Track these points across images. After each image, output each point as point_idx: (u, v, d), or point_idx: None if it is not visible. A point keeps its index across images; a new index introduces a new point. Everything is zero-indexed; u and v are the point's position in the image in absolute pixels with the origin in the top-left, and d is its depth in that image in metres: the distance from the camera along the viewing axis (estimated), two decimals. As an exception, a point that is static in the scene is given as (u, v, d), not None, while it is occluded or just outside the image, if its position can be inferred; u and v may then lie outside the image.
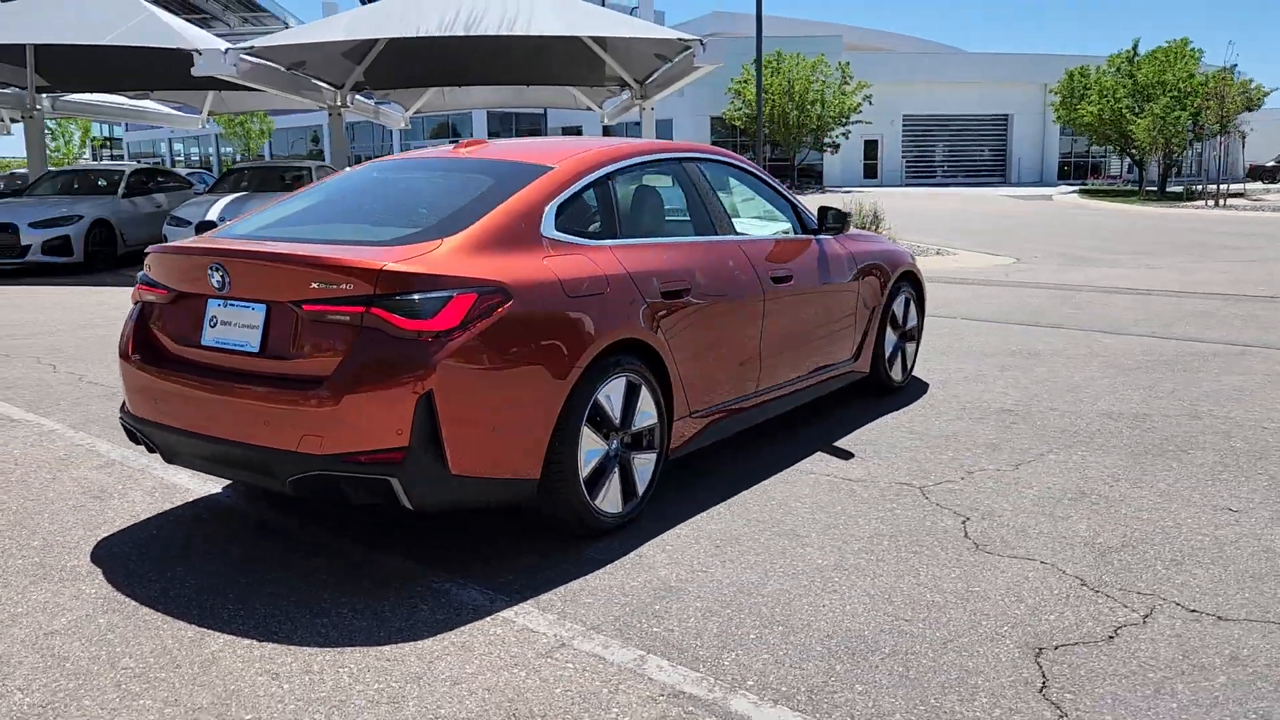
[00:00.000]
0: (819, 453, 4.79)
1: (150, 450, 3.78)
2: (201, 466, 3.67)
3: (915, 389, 6.11)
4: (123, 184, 15.69)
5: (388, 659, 2.84)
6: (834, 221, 5.24)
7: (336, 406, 3.14)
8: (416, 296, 3.18)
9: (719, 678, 2.71)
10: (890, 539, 3.71)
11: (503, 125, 52.26)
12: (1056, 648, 2.85)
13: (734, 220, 4.94)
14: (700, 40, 14.35)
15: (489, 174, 3.98)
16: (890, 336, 5.91)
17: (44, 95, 20.47)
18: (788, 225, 5.23)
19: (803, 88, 41.56)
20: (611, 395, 3.72)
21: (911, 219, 22.03)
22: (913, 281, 6.16)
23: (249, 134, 47.99)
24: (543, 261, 3.56)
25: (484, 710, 2.56)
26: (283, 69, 15.82)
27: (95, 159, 58.62)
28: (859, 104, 42.74)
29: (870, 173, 51.14)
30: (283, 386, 3.25)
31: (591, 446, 3.65)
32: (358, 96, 21.88)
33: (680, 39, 14.72)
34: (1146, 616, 3.04)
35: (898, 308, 5.96)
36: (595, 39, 16.08)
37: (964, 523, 3.86)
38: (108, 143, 69.08)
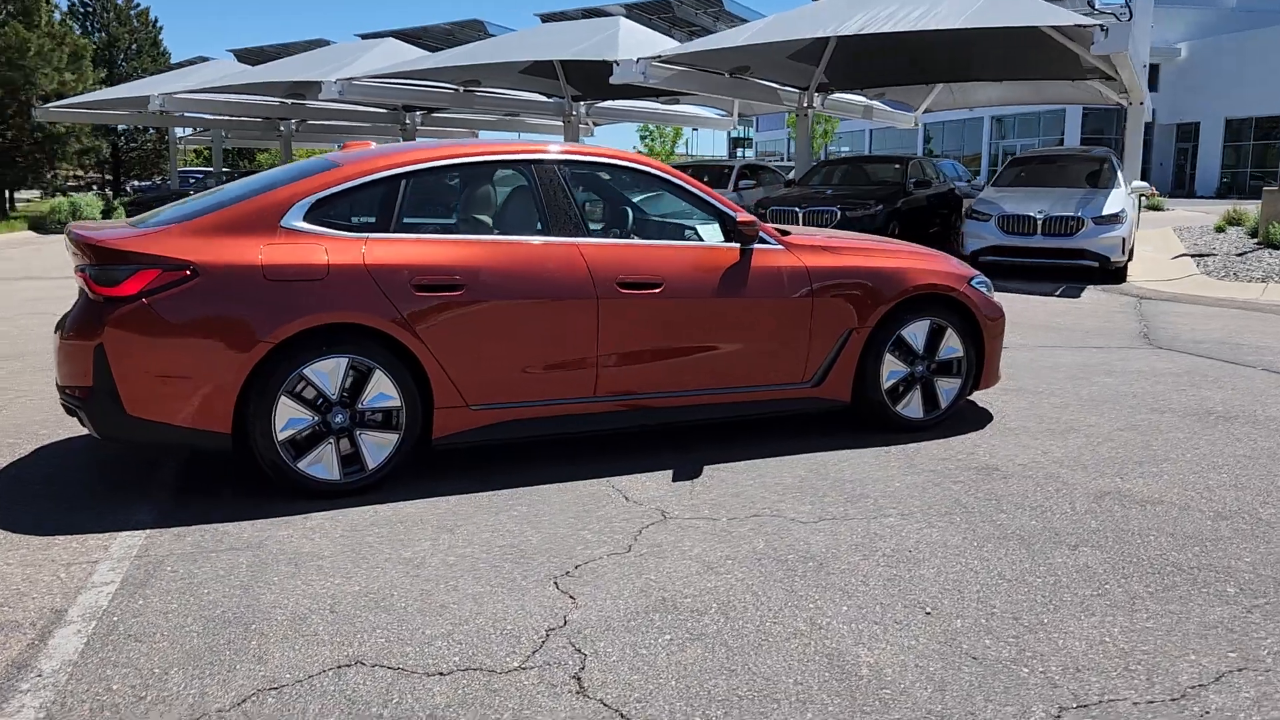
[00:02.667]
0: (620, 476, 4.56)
1: None
2: None
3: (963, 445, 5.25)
4: (733, 176, 18.84)
5: None
6: (732, 231, 4.81)
7: (59, 348, 4.07)
8: (107, 267, 3.95)
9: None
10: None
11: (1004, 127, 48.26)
12: None
13: (640, 223, 4.84)
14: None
15: (293, 172, 4.54)
16: (895, 367, 5.16)
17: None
18: (711, 233, 4.93)
19: None
20: (328, 372, 4.11)
21: None
22: (954, 307, 5.26)
23: (815, 134, 50.36)
24: (259, 247, 4.08)
25: None
26: (723, 74, 16.95)
27: (731, 155, 66.19)
28: None
29: None
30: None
31: (296, 415, 4.09)
32: (846, 96, 22.36)
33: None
34: None
35: (912, 335, 5.17)
36: (1058, 29, 14.67)
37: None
38: (742, 142, 77.68)
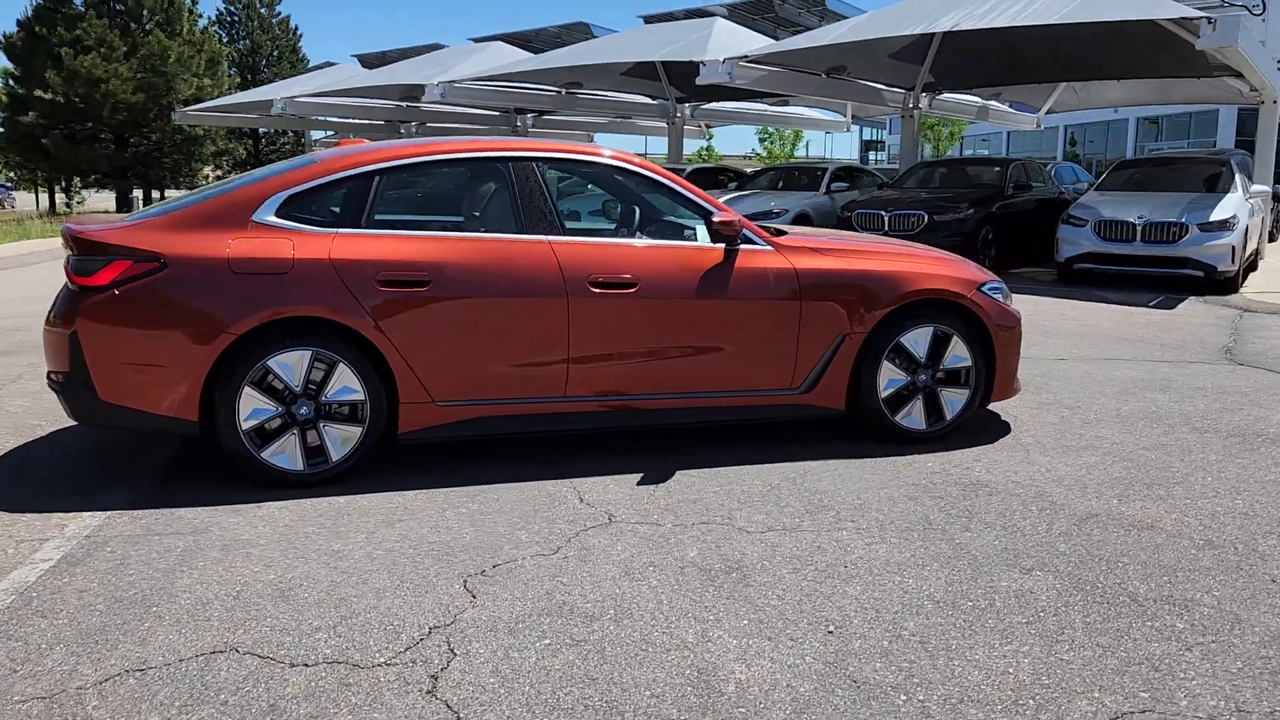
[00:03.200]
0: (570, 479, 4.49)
1: None
2: None
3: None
4: (825, 178, 16.56)
5: None
6: (715, 231, 4.68)
7: (44, 334, 4.27)
8: (84, 258, 4.13)
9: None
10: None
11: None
12: None
13: (631, 221, 4.78)
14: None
15: (274, 169, 4.64)
16: (895, 375, 4.94)
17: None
18: (695, 233, 4.83)
19: None
20: (292, 364, 4.19)
21: None
22: (960, 313, 5.01)
23: (939, 136, 49.01)
24: (228, 241, 4.19)
25: None
26: (819, 75, 16.64)
27: (863, 159, 65.01)
28: None
29: None
30: (52, 324, 4.41)
31: (260, 406, 4.19)
32: (956, 97, 21.65)
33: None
34: None
35: (912, 342, 4.94)
36: (1179, 21, 13.86)
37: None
38: (875, 145, 76.44)
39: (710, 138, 33.58)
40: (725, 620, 3.06)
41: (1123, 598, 3.24)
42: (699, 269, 4.67)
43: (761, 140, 51.87)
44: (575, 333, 4.50)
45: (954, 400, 5.07)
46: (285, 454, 4.25)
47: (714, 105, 24.23)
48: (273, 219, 4.30)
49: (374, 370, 4.30)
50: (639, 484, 4.37)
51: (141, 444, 4.89)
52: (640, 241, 4.76)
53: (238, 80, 37.72)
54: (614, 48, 19.23)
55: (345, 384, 4.27)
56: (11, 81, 30.14)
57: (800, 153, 53.73)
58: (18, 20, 29.03)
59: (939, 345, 4.99)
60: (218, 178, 48.87)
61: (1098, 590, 3.30)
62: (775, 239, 4.89)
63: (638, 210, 4.99)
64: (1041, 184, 16.05)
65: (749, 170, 21.19)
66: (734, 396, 4.79)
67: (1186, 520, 3.96)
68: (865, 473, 4.56)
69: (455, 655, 2.82)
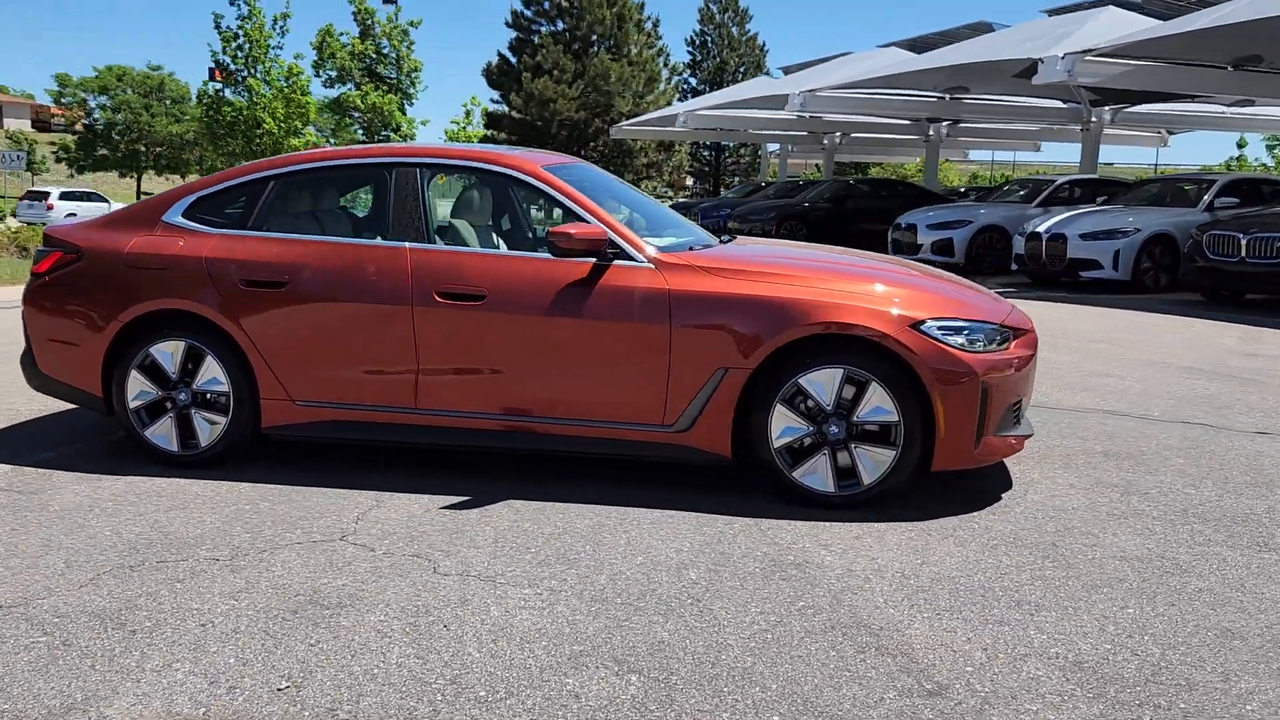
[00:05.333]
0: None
1: None
2: None
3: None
4: (1211, 192, 13.34)
5: None
6: (550, 244, 4.21)
7: (22, 316, 5.08)
8: (40, 249, 4.85)
9: None
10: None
11: None
12: None
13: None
14: None
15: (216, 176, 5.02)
16: (792, 423, 4.14)
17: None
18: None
19: None
20: (170, 354, 4.58)
21: None
22: (887, 357, 4.05)
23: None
24: (130, 238, 4.67)
25: None
26: (1224, 68, 13.91)
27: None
28: None
29: None
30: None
31: (144, 389, 4.63)
32: None
33: None
34: None
35: (814, 384, 4.09)
36: None
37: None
38: None
39: (1164, 145, 29.34)
40: (219, 656, 2.85)
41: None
42: (556, 284, 4.28)
43: (1270, 148, 44.10)
44: (423, 343, 4.36)
45: (874, 462, 4.11)
46: (164, 434, 4.64)
47: (1157, 107, 21.13)
48: (179, 220, 4.71)
49: (238, 365, 4.53)
50: (435, 508, 4.13)
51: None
52: (500, 253, 4.48)
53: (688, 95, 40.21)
54: (990, 46, 17.59)
55: (213, 375, 4.56)
56: (492, 104, 35.20)
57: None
58: (498, 51, 33.77)
59: (858, 396, 4.08)
60: (673, 188, 52.78)
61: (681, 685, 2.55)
62: (665, 255, 4.32)
63: (523, 222, 4.70)
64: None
65: (1130, 180, 18.26)
66: (599, 427, 4.32)
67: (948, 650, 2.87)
68: (684, 530, 3.89)
69: (-44, 634, 2.96)
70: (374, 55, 27.79)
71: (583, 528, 3.92)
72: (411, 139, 31.96)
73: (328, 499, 4.23)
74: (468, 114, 28.37)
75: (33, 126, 68.89)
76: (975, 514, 4.14)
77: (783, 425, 4.15)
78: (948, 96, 20.44)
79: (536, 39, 32.53)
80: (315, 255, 4.50)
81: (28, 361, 4.89)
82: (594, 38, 31.82)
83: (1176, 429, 5.58)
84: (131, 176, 56.03)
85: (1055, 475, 4.69)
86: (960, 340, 4.09)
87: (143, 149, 53.83)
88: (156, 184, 55.08)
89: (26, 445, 5.01)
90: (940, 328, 4.08)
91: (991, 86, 20.09)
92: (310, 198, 4.96)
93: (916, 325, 4.05)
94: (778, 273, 4.25)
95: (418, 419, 4.45)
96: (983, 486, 4.48)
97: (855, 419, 4.10)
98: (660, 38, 37.94)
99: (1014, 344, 4.32)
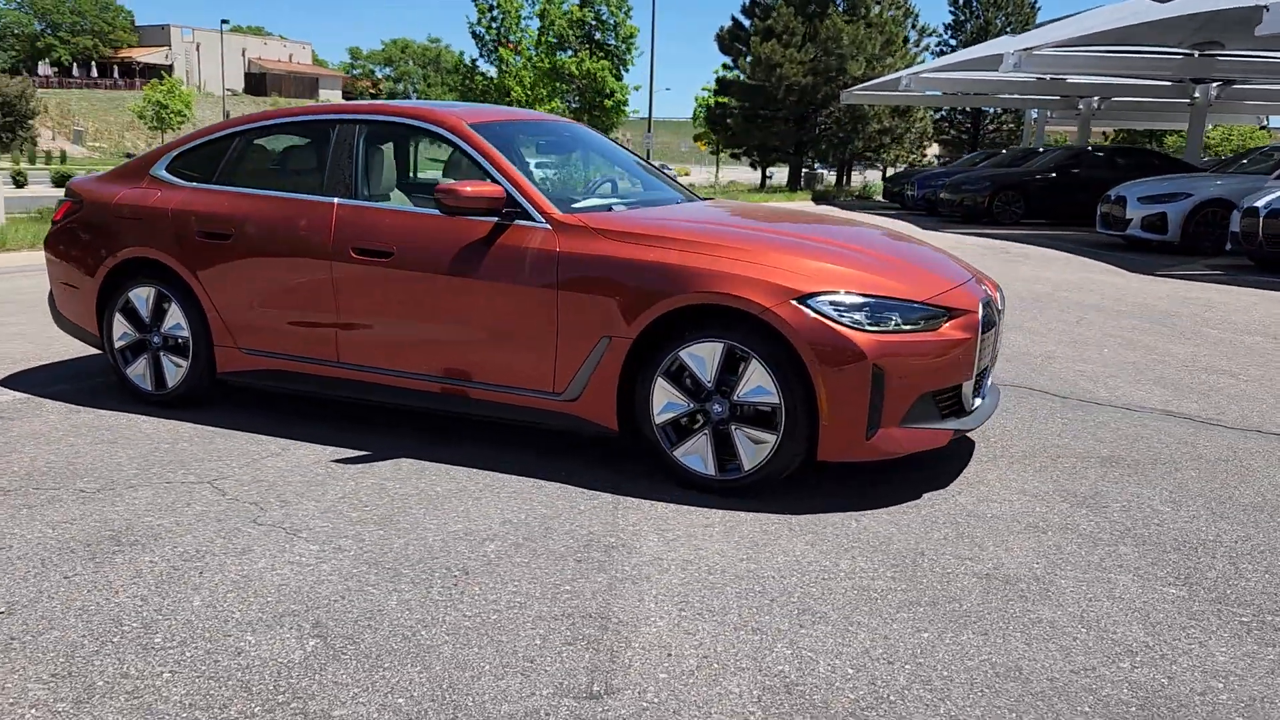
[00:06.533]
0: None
1: None
2: None
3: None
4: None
5: None
6: (436, 200, 4.09)
7: (50, 260, 5.60)
8: (62, 201, 5.32)
9: None
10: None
11: None
12: None
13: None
14: None
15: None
16: (673, 398, 3.86)
17: None
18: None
19: None
20: (144, 299, 4.92)
21: None
22: (767, 333, 3.68)
23: None
24: (120, 189, 5.03)
25: None
26: None
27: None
28: None
29: None
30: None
31: (125, 330, 5.00)
32: None
33: None
34: None
35: (697, 359, 3.79)
36: None
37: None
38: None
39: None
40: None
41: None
42: (457, 244, 4.20)
43: None
44: (341, 298, 4.43)
45: (754, 445, 3.76)
46: (139, 374, 4.99)
47: None
48: (163, 173, 5.02)
49: (196, 313, 4.80)
50: (334, 461, 4.19)
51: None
52: (412, 210, 4.44)
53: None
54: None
55: (176, 321, 4.85)
56: (723, 69, 34.90)
57: None
58: (731, 15, 33.39)
59: (740, 372, 3.74)
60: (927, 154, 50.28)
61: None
62: (565, 216, 4.12)
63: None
64: None
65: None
66: (496, 392, 4.22)
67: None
68: (533, 502, 3.73)
69: None
70: (593, 21, 28.30)
71: (439, 491, 3.85)
72: (624, 104, 32.64)
73: (239, 444, 4.40)
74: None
75: (344, 98, 76.12)
76: (869, 512, 3.70)
77: (665, 400, 3.88)
78: (1196, 54, 18.13)
79: (767, 2, 31.93)
80: (257, 209, 4.66)
81: (51, 303, 5.41)
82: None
83: (1237, 440, 4.71)
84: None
85: (1012, 478, 4.10)
86: (857, 317, 3.64)
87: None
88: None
89: (53, 379, 5.55)
90: (833, 303, 3.65)
91: (1253, 41, 17.62)
92: (265, 155, 5.14)
93: (804, 299, 3.65)
94: (673, 238, 3.95)
95: (339, 372, 4.53)
96: (918, 480, 3.99)
97: (736, 398, 3.76)
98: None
99: (946, 325, 3.80)
